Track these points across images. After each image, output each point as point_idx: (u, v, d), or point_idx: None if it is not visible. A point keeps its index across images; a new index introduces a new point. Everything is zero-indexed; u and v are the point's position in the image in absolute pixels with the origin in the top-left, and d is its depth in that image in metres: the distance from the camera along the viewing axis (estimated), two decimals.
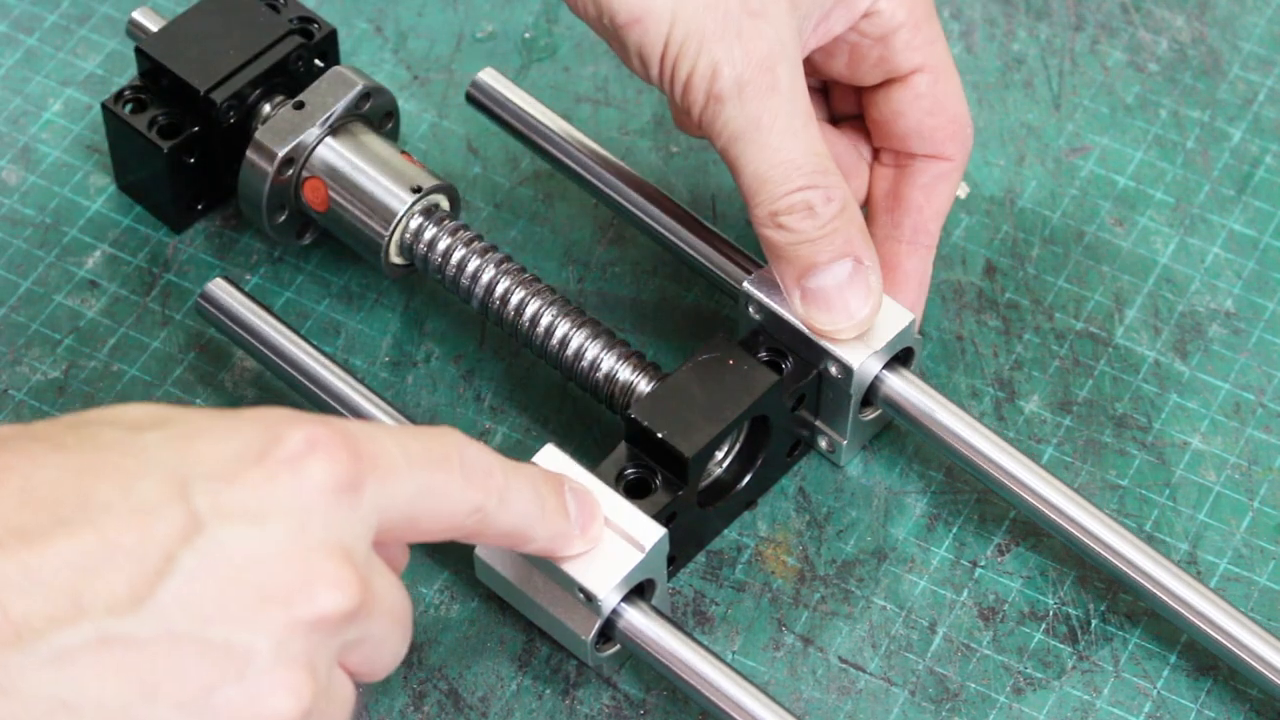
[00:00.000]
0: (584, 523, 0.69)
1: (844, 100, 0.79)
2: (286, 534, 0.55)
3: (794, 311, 0.74)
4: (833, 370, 0.75)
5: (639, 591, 0.71)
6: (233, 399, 0.80)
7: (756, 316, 0.76)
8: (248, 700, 0.54)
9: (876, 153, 0.79)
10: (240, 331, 0.78)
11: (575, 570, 0.70)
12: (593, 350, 0.77)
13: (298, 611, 0.54)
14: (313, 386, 0.76)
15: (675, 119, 0.78)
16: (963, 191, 0.86)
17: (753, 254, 0.79)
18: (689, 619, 0.76)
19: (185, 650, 0.53)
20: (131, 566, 0.52)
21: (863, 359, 0.75)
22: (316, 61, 0.83)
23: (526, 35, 0.91)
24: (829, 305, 0.73)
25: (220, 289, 0.78)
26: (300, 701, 0.54)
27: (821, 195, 0.72)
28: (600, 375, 0.77)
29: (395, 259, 0.80)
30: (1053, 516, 0.74)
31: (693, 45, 0.70)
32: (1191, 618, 0.72)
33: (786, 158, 0.71)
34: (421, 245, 0.79)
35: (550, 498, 0.66)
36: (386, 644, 0.58)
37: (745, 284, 0.76)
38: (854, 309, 0.73)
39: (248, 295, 0.78)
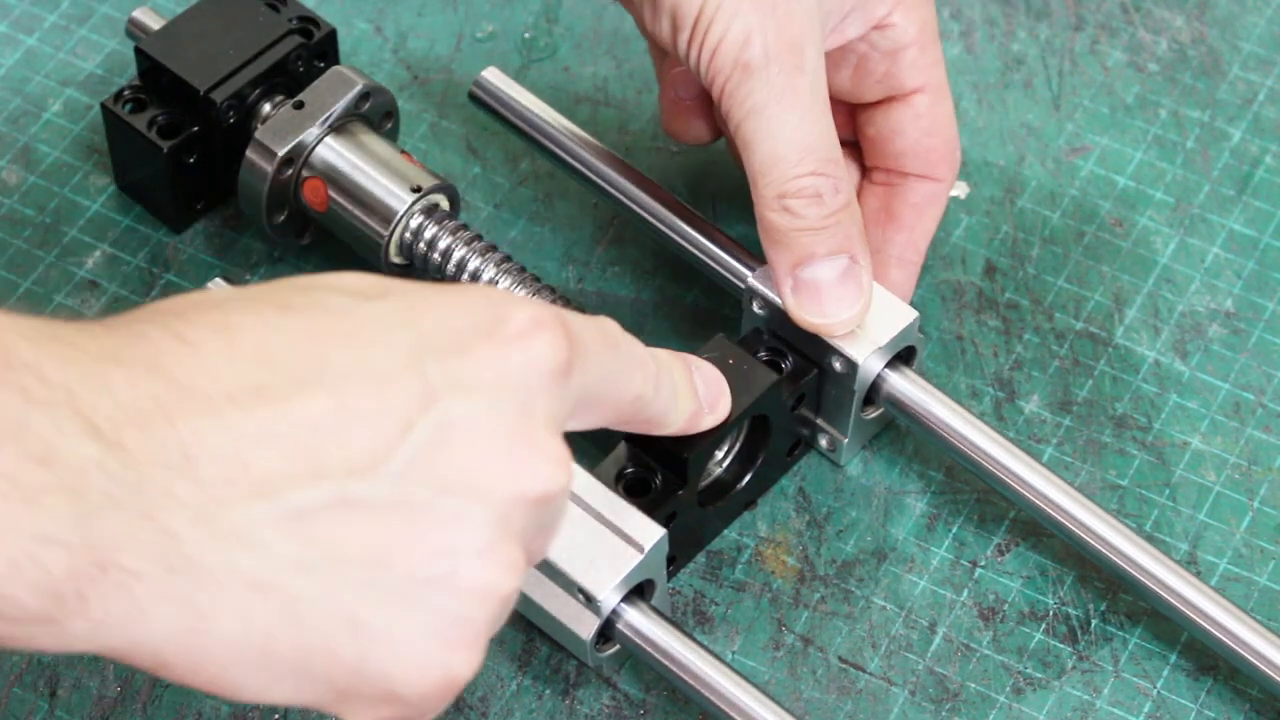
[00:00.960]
0: (712, 401, 0.69)
1: (837, 121, 0.79)
2: (516, 409, 0.55)
3: (782, 302, 0.74)
4: (837, 366, 0.75)
5: (639, 592, 0.71)
6: None
7: (761, 312, 0.76)
8: (471, 574, 0.54)
9: (867, 172, 0.80)
10: None
11: (575, 571, 0.70)
12: None
13: (523, 486, 0.55)
14: None
15: (668, 118, 0.78)
16: (962, 191, 0.86)
17: (756, 252, 0.79)
18: (689, 619, 0.76)
19: (418, 517, 0.53)
20: (369, 431, 0.53)
21: (867, 354, 0.75)
22: (316, 61, 0.83)
23: (526, 35, 0.91)
24: (820, 299, 0.73)
25: (219, 289, 0.78)
26: (516, 577, 0.55)
27: (831, 184, 0.72)
28: None
29: (395, 259, 0.80)
30: (1056, 516, 0.74)
31: (728, 10, 0.70)
32: (1192, 615, 0.72)
33: (804, 140, 0.71)
34: (421, 245, 0.79)
35: (683, 382, 0.67)
36: (557, 530, 0.59)
37: (750, 279, 0.76)
38: (843, 307, 0.73)
39: None
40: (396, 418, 0.53)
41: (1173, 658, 0.75)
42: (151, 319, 0.53)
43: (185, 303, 0.54)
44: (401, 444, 0.53)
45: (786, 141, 0.71)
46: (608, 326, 0.61)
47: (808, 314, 0.73)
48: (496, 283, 0.78)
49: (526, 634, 0.75)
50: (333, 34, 0.83)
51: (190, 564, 0.51)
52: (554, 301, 0.78)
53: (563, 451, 0.56)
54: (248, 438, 0.51)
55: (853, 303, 0.73)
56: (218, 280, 0.78)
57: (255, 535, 0.51)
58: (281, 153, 0.79)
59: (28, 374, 0.50)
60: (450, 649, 0.54)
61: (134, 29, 0.84)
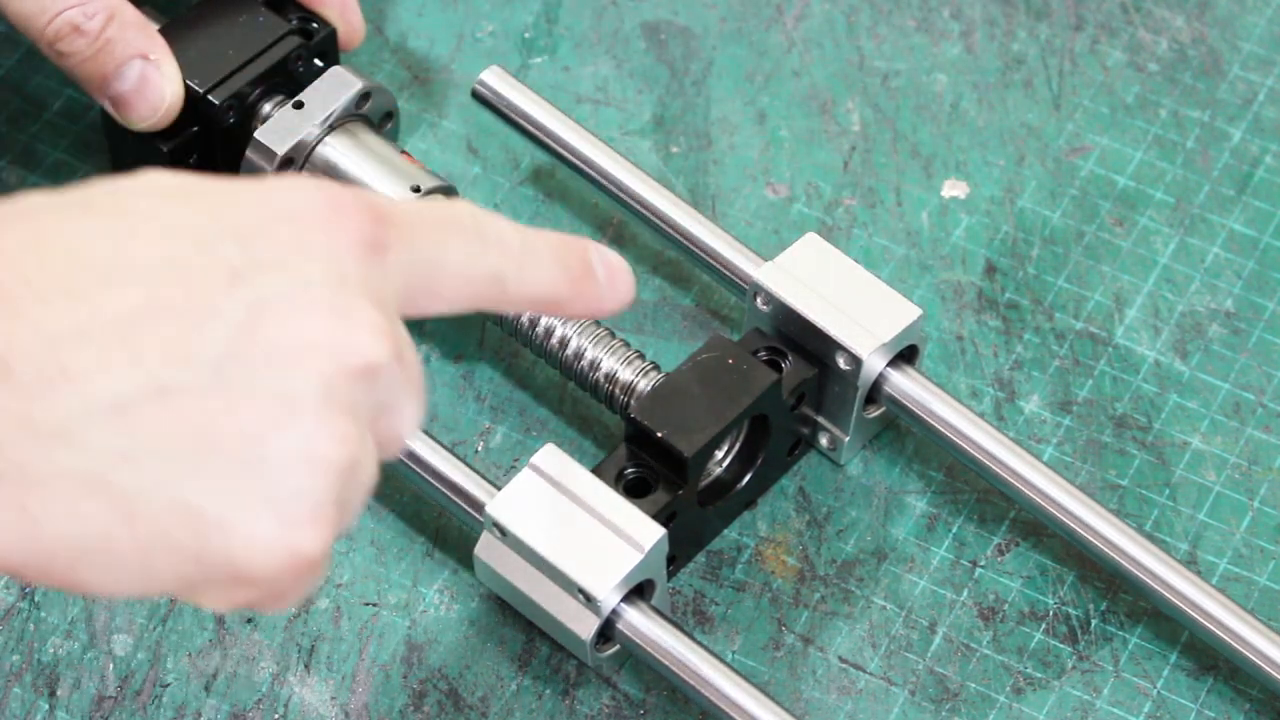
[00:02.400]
0: (613, 280, 0.66)
1: None
2: (325, 283, 0.55)
3: (119, 117, 0.79)
4: (840, 362, 0.75)
5: (639, 592, 0.71)
6: None
7: (765, 309, 0.76)
8: (299, 447, 0.53)
9: None
10: None
11: (575, 570, 0.70)
12: (593, 350, 0.77)
13: (342, 358, 0.55)
14: None
15: None
16: (962, 192, 0.86)
17: (757, 250, 0.79)
18: (689, 619, 0.76)
19: (238, 398, 0.53)
20: (179, 319, 0.53)
21: (870, 351, 0.75)
22: (316, 61, 0.83)
23: (526, 35, 0.91)
24: (135, 103, 0.79)
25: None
26: (348, 448, 0.54)
27: (80, 13, 0.77)
28: (600, 375, 0.77)
29: None
30: (1058, 515, 0.74)
31: None
32: (1193, 614, 0.72)
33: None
34: None
35: (575, 262, 0.64)
36: (408, 412, 0.58)
37: (755, 275, 0.76)
38: (158, 98, 0.79)
39: None
40: (205, 303, 0.54)
41: (1173, 657, 0.75)
42: None
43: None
44: (214, 329, 0.53)
45: None
46: (450, 208, 0.61)
47: (135, 119, 0.79)
48: None
49: (526, 634, 0.75)
50: (332, 34, 0.83)
51: (17, 469, 0.51)
52: None
53: (383, 322, 0.56)
54: (60, 337, 0.52)
55: (164, 91, 0.79)
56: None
57: (77, 432, 0.52)
58: (281, 153, 0.79)
59: None
60: (292, 526, 0.54)
61: None
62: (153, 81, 0.78)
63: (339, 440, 0.54)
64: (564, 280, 0.63)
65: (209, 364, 0.53)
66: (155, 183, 0.56)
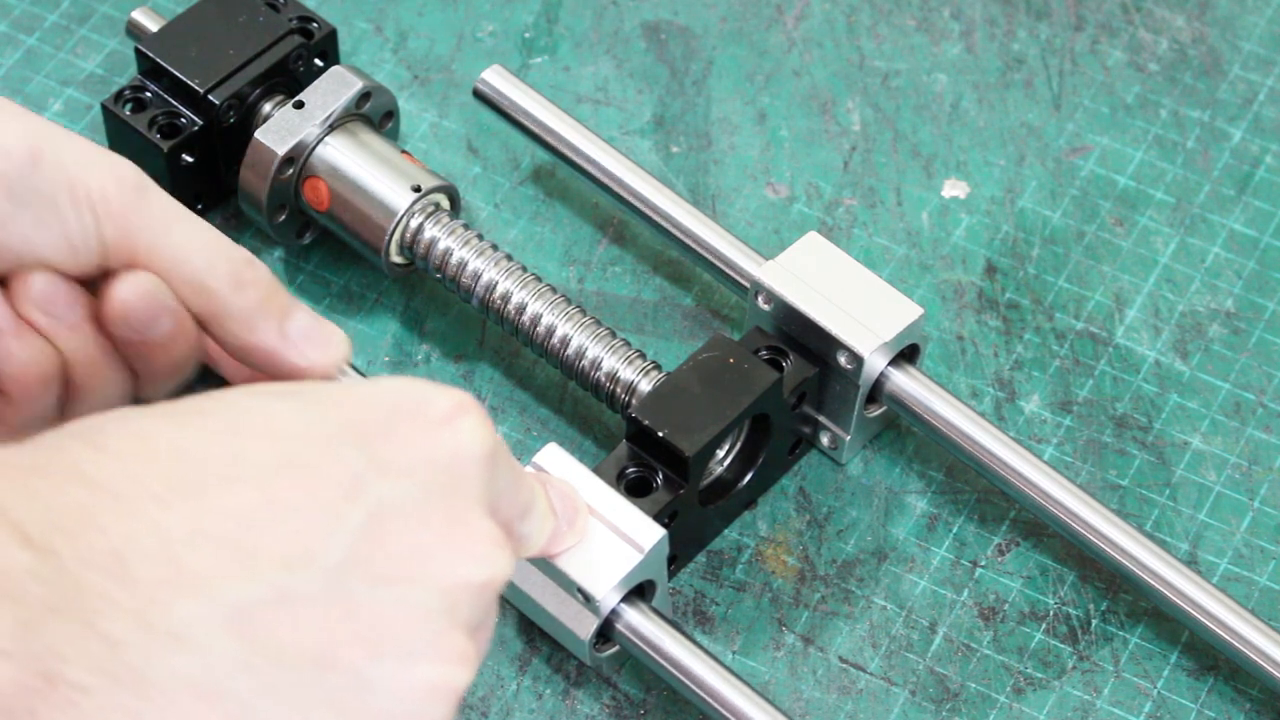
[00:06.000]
0: (569, 517, 0.68)
1: None
2: (447, 493, 0.54)
3: (289, 361, 0.64)
4: (842, 361, 0.75)
5: (639, 592, 0.71)
6: None
7: (766, 308, 0.76)
8: (417, 667, 0.52)
9: None
10: None
11: (574, 571, 0.70)
12: (594, 350, 0.77)
13: (464, 572, 0.53)
14: None
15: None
16: (962, 191, 0.86)
17: (757, 250, 0.79)
18: (689, 619, 0.76)
19: (359, 611, 0.51)
20: (299, 523, 0.51)
21: (872, 350, 0.75)
22: (316, 61, 0.83)
23: (526, 35, 0.91)
24: (318, 335, 0.65)
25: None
26: (467, 670, 0.53)
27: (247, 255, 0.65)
28: (601, 375, 0.77)
29: (395, 258, 0.80)
30: (1059, 514, 0.74)
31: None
32: (1193, 613, 0.72)
33: (212, 230, 0.64)
34: (422, 245, 0.79)
35: (542, 500, 0.65)
36: (491, 631, 0.57)
37: (757, 274, 0.76)
38: (334, 332, 0.65)
39: None
40: (327, 507, 0.52)
41: (1173, 657, 0.75)
42: (69, 433, 0.52)
43: (100, 419, 0.53)
44: (335, 535, 0.51)
45: (205, 239, 0.63)
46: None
47: (317, 355, 0.65)
48: (497, 282, 0.78)
49: (526, 634, 0.75)
50: (333, 34, 0.83)
51: (134, 674, 0.49)
52: (554, 302, 0.78)
53: (501, 535, 0.55)
54: (177, 536, 0.50)
55: (333, 328, 0.66)
56: None
57: (196, 636, 0.50)
58: (282, 153, 0.79)
59: None
60: None
61: (134, 29, 0.84)
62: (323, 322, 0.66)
63: (459, 662, 0.53)
64: (539, 520, 0.63)
65: (330, 571, 0.51)
66: (260, 387, 0.55)
